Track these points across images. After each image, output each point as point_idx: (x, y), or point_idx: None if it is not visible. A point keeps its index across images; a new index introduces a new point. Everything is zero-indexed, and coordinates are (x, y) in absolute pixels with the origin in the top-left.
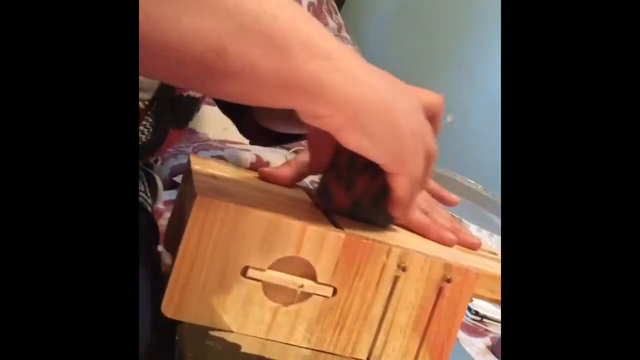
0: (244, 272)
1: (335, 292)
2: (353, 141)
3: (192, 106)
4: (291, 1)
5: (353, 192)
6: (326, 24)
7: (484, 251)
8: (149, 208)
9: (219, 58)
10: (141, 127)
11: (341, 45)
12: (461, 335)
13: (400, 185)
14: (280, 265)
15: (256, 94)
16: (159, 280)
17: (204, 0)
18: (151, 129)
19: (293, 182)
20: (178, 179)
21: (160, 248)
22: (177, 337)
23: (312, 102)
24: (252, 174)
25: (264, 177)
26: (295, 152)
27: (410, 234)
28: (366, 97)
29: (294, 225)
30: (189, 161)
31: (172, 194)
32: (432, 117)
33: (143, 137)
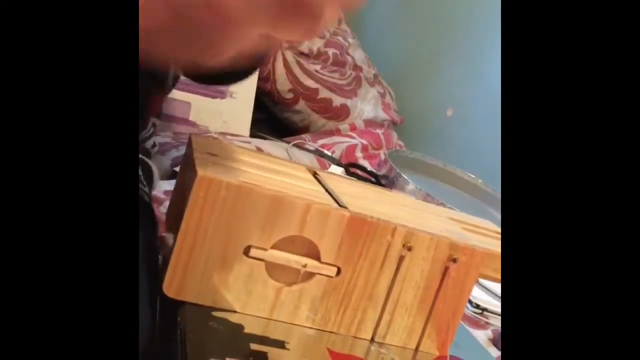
0: (246, 252)
1: (339, 271)
2: None
3: None
4: None
5: None
6: None
7: (490, 231)
8: (146, 197)
9: None
10: None
11: None
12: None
13: None
14: (283, 244)
15: None
16: (157, 269)
17: None
18: None
19: None
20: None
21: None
22: (179, 319)
23: None
24: (253, 153)
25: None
26: (295, 145)
27: (416, 212)
28: None
29: (297, 203)
30: (189, 140)
31: (172, 184)
32: None
33: None
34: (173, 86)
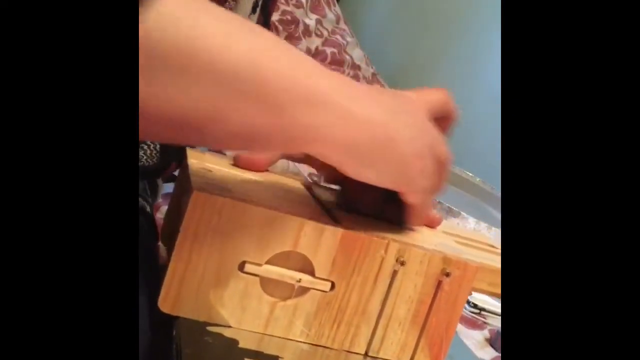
0: (241, 267)
1: (333, 286)
2: (354, 174)
3: None
4: (283, 47)
5: (369, 199)
6: (324, 16)
7: (483, 244)
8: (148, 208)
9: (214, 123)
10: (145, 147)
11: (334, 79)
12: (459, 327)
13: (412, 201)
14: (277, 260)
15: (254, 147)
16: (157, 282)
17: (198, 69)
18: (156, 155)
19: (267, 167)
20: (176, 172)
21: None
22: (174, 333)
23: (307, 147)
24: None
25: (239, 164)
26: None
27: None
28: (362, 134)
29: (292, 220)
30: (185, 155)
31: (170, 187)
32: (443, 115)
33: (145, 159)
34: None
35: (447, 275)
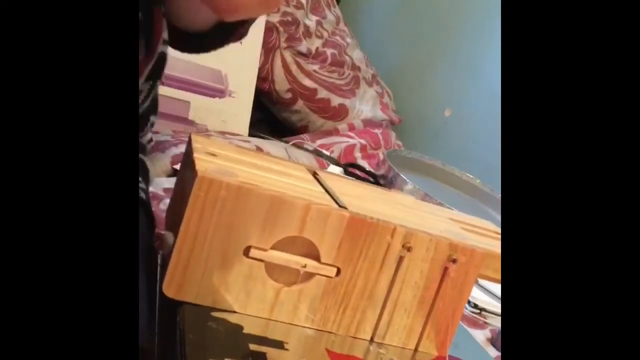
0: (246, 252)
1: (339, 272)
2: None
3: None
4: None
5: None
6: (324, 17)
7: (490, 231)
8: (143, 194)
9: None
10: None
11: None
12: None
13: None
14: (283, 245)
15: None
16: (155, 267)
17: None
18: (146, 99)
19: None
20: (179, 167)
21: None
22: (178, 319)
23: None
24: (253, 153)
25: None
26: (294, 144)
27: (415, 213)
28: None
29: (297, 204)
30: (189, 139)
31: (172, 182)
32: None
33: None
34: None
35: (454, 261)
